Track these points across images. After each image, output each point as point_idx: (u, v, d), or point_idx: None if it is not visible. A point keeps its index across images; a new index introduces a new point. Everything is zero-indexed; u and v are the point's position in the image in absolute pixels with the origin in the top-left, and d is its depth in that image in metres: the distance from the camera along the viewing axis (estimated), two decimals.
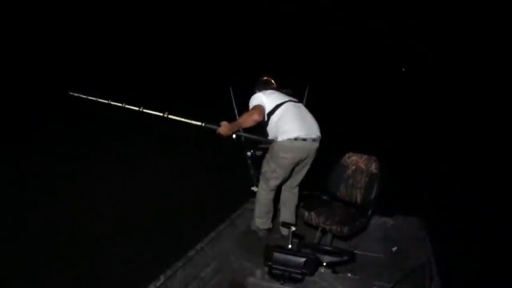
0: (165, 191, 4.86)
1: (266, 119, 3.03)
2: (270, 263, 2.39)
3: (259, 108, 3.00)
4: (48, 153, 5.89)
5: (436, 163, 6.72)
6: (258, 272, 2.52)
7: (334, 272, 2.59)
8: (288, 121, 2.98)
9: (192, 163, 5.87)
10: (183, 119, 3.21)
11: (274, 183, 3.07)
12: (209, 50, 14.67)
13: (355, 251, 3.00)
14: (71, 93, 3.53)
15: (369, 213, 3.02)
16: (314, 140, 3.00)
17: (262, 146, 3.26)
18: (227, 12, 16.29)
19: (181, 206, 4.51)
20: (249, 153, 3.26)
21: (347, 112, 8.94)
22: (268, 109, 3.03)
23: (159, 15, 16.39)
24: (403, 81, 13.44)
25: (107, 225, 3.97)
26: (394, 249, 3.19)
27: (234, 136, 3.16)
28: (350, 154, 3.22)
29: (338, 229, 2.83)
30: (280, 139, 2.97)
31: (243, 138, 3.19)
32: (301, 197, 3.31)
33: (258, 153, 3.33)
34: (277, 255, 2.39)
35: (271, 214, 3.20)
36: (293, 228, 2.67)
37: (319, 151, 3.07)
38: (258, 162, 3.28)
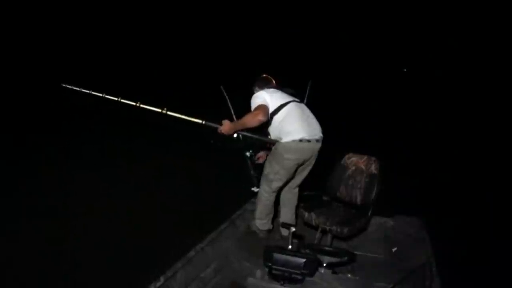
0: (165, 191, 4.86)
1: (269, 118, 2.97)
2: (270, 264, 2.39)
3: (264, 108, 2.91)
4: (44, 150, 5.89)
5: (436, 163, 6.72)
6: (258, 273, 2.52)
7: (334, 272, 2.59)
8: (292, 121, 2.94)
9: (192, 163, 5.87)
10: (182, 116, 3.11)
11: (277, 184, 3.06)
12: (210, 47, 14.64)
13: (355, 252, 3.00)
14: (64, 85, 3.42)
15: (369, 213, 3.03)
16: (317, 140, 3.00)
17: (260, 144, 3.18)
18: (228, 8, 16.24)
19: (181, 206, 4.51)
20: (248, 154, 3.23)
21: (347, 112, 8.94)
22: (271, 108, 2.96)
23: (160, 11, 16.30)
24: (404, 82, 13.44)
25: (107, 225, 3.96)
26: (394, 249, 3.19)
27: (235, 135, 3.10)
28: (350, 154, 3.23)
29: (338, 230, 2.83)
30: (284, 140, 2.94)
31: (245, 138, 3.10)
32: (301, 198, 3.31)
33: (258, 154, 3.30)
34: (277, 255, 2.39)
35: (271, 215, 3.20)
36: (293, 229, 2.67)
37: (320, 151, 3.07)
38: (257, 162, 3.28)
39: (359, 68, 13.90)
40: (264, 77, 3.30)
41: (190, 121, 3.11)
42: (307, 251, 2.57)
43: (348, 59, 14.53)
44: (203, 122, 3.08)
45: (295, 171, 3.08)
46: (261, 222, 3.16)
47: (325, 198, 3.24)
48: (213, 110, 3.09)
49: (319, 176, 3.26)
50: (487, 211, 5.03)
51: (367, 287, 2.54)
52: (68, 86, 3.41)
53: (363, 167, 3.13)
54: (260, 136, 3.06)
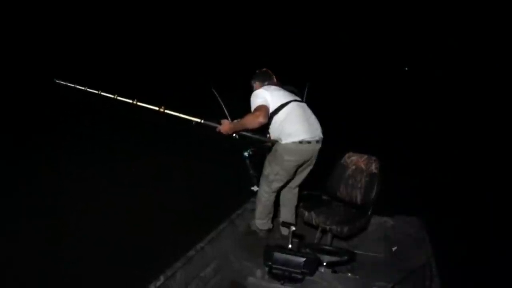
0: (165, 191, 4.86)
1: (269, 118, 2.93)
2: (270, 263, 2.39)
3: (265, 109, 2.85)
4: (44, 150, 5.89)
5: (436, 163, 6.72)
6: (258, 272, 2.52)
7: (334, 272, 2.59)
8: (293, 122, 2.91)
9: (191, 163, 5.87)
10: (181, 115, 3.05)
11: (277, 185, 3.05)
12: (208, 47, 14.61)
13: (355, 251, 2.99)
14: (57, 81, 3.29)
15: (369, 213, 3.03)
16: (317, 141, 2.99)
17: (259, 144, 3.15)
18: (228, 8, 16.19)
19: (181, 205, 4.51)
20: (246, 154, 3.22)
21: (347, 112, 8.94)
22: (272, 108, 2.90)
23: (160, 9, 16.22)
24: (405, 81, 13.43)
25: (107, 225, 3.96)
26: (394, 249, 3.19)
27: (234, 135, 3.08)
28: (350, 154, 3.23)
29: (338, 229, 2.83)
30: (284, 141, 2.91)
31: (244, 137, 3.07)
32: (301, 197, 3.31)
33: (257, 151, 3.27)
34: (277, 255, 2.39)
35: (271, 215, 3.20)
36: (293, 228, 2.67)
37: (320, 151, 3.07)
38: (256, 161, 3.27)
39: (360, 68, 13.90)
40: (264, 71, 3.22)
41: (188, 120, 3.05)
42: (307, 250, 2.57)
43: (349, 58, 14.53)
44: (202, 121, 3.04)
45: (295, 171, 3.07)
46: (261, 222, 3.16)
47: (325, 197, 3.24)
48: (212, 110, 3.07)
49: (319, 176, 3.26)
50: (487, 211, 5.03)
51: (367, 287, 2.54)
52: (62, 82, 3.28)
53: (363, 166, 3.12)
54: (260, 136, 3.04)
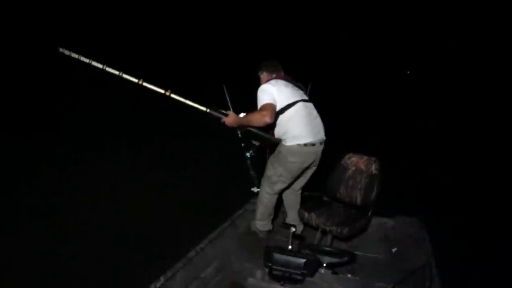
0: (165, 191, 4.85)
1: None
2: (270, 264, 2.39)
3: (272, 109, 2.78)
4: (44, 150, 5.89)
5: (436, 163, 6.72)
6: (259, 273, 2.53)
7: (334, 273, 2.60)
8: (298, 124, 2.87)
9: (191, 163, 5.87)
10: (186, 101, 2.94)
11: (280, 187, 3.04)
12: (211, 44, 14.51)
13: (355, 252, 3.00)
14: (61, 50, 3.05)
15: (369, 214, 3.03)
16: (321, 143, 2.99)
17: (263, 140, 3.11)
18: (231, 6, 16.07)
19: (181, 206, 4.51)
20: (247, 154, 3.22)
21: (347, 112, 8.93)
22: (278, 106, 2.83)
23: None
24: (405, 83, 13.42)
25: (107, 225, 3.96)
26: (394, 249, 3.19)
27: (238, 131, 3.05)
28: (350, 155, 3.23)
29: (338, 230, 2.83)
30: (289, 143, 2.89)
31: (248, 133, 3.01)
32: (301, 198, 3.31)
33: (259, 151, 3.24)
34: (277, 256, 2.39)
35: (272, 216, 3.19)
36: (293, 229, 2.68)
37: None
38: (257, 162, 3.27)
39: (360, 69, 13.89)
40: (273, 62, 3.12)
41: (194, 107, 2.95)
42: (307, 251, 2.57)
43: (350, 59, 14.52)
44: (208, 110, 2.95)
45: (299, 173, 3.06)
46: (262, 223, 3.16)
47: (325, 198, 3.24)
48: (218, 102, 3.01)
49: (319, 176, 3.26)
50: (487, 211, 5.03)
51: (367, 287, 2.55)
52: (65, 52, 3.05)
53: (363, 167, 3.13)
54: (264, 134, 2.97)
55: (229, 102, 3.16)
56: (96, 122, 7.42)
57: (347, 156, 3.23)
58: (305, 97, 3.00)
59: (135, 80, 2.97)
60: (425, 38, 16.60)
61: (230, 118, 2.93)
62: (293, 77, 3.11)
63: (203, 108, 2.96)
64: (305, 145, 2.88)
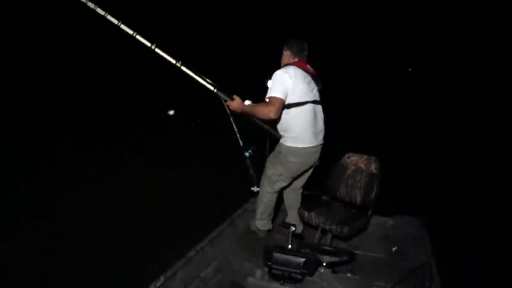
0: (165, 191, 4.86)
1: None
2: (270, 263, 2.39)
3: (279, 106, 2.73)
4: (44, 150, 5.89)
5: (436, 163, 6.71)
6: (258, 272, 2.53)
7: (334, 272, 2.60)
8: (301, 127, 2.85)
9: (191, 163, 5.87)
10: (195, 77, 2.85)
11: (280, 185, 3.05)
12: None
13: (355, 251, 2.99)
14: None
15: (369, 213, 3.03)
16: (320, 145, 3.00)
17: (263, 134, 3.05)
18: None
19: (181, 206, 4.51)
20: (247, 154, 3.21)
21: (347, 112, 8.93)
22: (288, 99, 2.78)
23: None
24: (406, 81, 13.38)
25: (107, 225, 3.96)
26: (394, 249, 3.20)
27: (232, 119, 2.94)
28: (350, 154, 3.23)
29: (338, 229, 2.83)
30: (288, 143, 2.89)
31: (252, 124, 2.94)
32: (301, 198, 3.31)
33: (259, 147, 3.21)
34: (277, 255, 2.39)
35: (272, 216, 3.20)
36: (293, 228, 2.68)
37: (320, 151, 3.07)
38: (257, 162, 3.26)
39: (360, 66, 13.86)
40: (301, 44, 3.01)
41: (201, 84, 2.88)
42: (307, 250, 2.57)
43: (350, 59, 14.50)
44: (215, 90, 2.87)
45: (300, 172, 3.07)
46: (262, 223, 3.16)
47: (325, 197, 3.24)
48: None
49: (319, 176, 3.26)
50: (487, 211, 5.02)
51: (367, 287, 2.55)
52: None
53: (363, 166, 3.13)
54: (264, 125, 2.93)
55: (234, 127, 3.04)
56: (96, 122, 7.43)
57: (347, 156, 3.23)
58: (317, 97, 2.94)
59: (148, 44, 2.85)
60: (426, 35, 16.55)
61: (235, 103, 2.84)
62: (313, 67, 3.03)
63: (211, 87, 2.88)
64: (304, 148, 2.90)
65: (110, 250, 3.57)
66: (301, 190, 3.28)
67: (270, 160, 3.06)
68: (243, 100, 2.88)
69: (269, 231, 3.21)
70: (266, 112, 2.75)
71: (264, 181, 3.07)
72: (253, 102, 2.89)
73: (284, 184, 3.06)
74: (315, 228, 3.01)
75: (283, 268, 2.36)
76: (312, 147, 2.92)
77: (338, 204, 3.17)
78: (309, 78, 2.89)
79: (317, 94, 2.95)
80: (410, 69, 15.37)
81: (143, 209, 4.36)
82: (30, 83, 8.98)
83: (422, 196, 5.07)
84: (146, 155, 6.07)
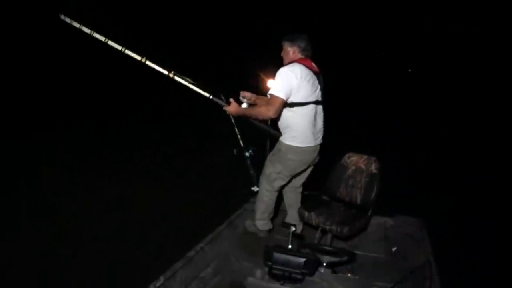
0: (165, 191, 4.85)
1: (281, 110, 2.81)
2: (270, 263, 2.39)
3: (278, 106, 2.73)
4: (44, 150, 5.89)
5: (436, 163, 6.71)
6: (258, 272, 2.53)
7: (334, 272, 2.60)
8: (302, 127, 2.86)
9: (191, 163, 5.87)
10: (190, 85, 2.85)
11: (279, 183, 3.05)
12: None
13: (355, 251, 3.00)
14: (62, 17, 2.91)
15: (369, 213, 3.03)
16: (319, 144, 3.01)
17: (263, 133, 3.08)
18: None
19: (181, 206, 4.50)
20: (247, 154, 3.22)
21: (347, 112, 8.93)
22: (291, 98, 2.77)
23: None
24: (407, 82, 13.38)
25: (107, 225, 3.96)
26: (394, 249, 3.20)
27: (233, 120, 2.99)
28: (350, 154, 3.23)
29: (338, 229, 2.83)
30: (288, 142, 2.90)
31: (251, 125, 2.95)
32: (301, 198, 3.31)
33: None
34: (277, 255, 2.39)
35: (272, 215, 3.20)
36: (293, 228, 2.68)
37: (320, 151, 3.07)
38: (257, 161, 3.26)
39: (360, 67, 13.87)
40: (306, 39, 2.93)
41: (197, 92, 2.88)
42: (307, 250, 2.57)
43: (349, 57, 14.50)
44: (211, 97, 2.89)
45: (300, 171, 3.07)
46: (263, 223, 3.15)
47: (325, 198, 3.24)
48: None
49: (319, 176, 3.26)
50: (486, 211, 5.02)
51: (367, 287, 2.55)
52: (67, 20, 2.91)
53: (363, 166, 3.13)
54: (267, 127, 2.96)
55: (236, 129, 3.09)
56: (96, 121, 7.43)
57: (347, 156, 3.23)
58: (319, 97, 2.92)
59: (138, 58, 2.85)
60: (427, 36, 16.55)
61: (232, 108, 2.88)
62: (317, 64, 3.00)
63: (206, 94, 2.89)
64: (303, 147, 2.90)
65: (110, 250, 3.57)
66: (301, 189, 3.28)
67: (269, 158, 3.07)
68: (240, 104, 2.92)
69: (269, 231, 3.21)
70: (264, 112, 2.77)
71: (263, 179, 3.08)
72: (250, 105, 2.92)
73: (283, 182, 3.06)
74: (315, 228, 3.02)
75: (283, 268, 2.36)
76: (311, 146, 2.93)
77: (338, 204, 3.17)
78: (314, 77, 2.88)
79: (320, 93, 2.94)
80: (410, 70, 15.38)
81: (143, 209, 4.36)
82: (31, 83, 8.99)
83: (422, 196, 5.07)
84: (146, 155, 6.07)
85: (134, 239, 3.77)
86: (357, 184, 3.12)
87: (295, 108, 2.82)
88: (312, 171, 3.18)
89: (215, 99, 2.90)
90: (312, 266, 2.40)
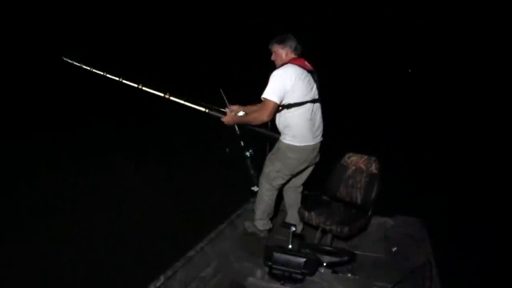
0: (165, 191, 4.85)
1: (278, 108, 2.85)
2: (270, 263, 2.39)
3: (271, 109, 2.78)
4: (44, 150, 5.89)
5: (436, 163, 6.71)
6: (258, 272, 2.53)
7: (334, 272, 2.60)
8: (301, 126, 2.88)
9: (191, 163, 5.87)
10: (186, 103, 3.02)
11: (278, 182, 3.05)
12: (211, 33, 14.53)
13: (355, 251, 3.00)
14: (65, 59, 3.31)
15: (369, 213, 3.03)
16: (319, 142, 3.02)
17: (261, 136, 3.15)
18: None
19: (181, 206, 4.51)
20: (247, 153, 3.23)
21: (347, 112, 8.94)
22: (286, 100, 2.81)
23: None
24: (407, 82, 13.39)
25: (107, 225, 3.96)
26: (394, 249, 3.20)
27: (237, 129, 3.10)
28: (350, 154, 3.23)
29: (338, 229, 2.83)
30: (287, 141, 2.93)
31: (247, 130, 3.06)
32: (301, 198, 3.31)
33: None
34: (277, 255, 2.39)
35: (272, 215, 3.20)
36: (293, 228, 2.68)
37: (320, 151, 3.07)
38: (257, 161, 3.27)
39: (360, 67, 13.87)
40: (295, 39, 2.95)
41: (193, 108, 3.04)
42: (307, 250, 2.57)
43: (349, 57, 14.51)
44: (207, 111, 3.05)
45: (299, 171, 3.07)
46: (262, 223, 3.15)
47: (325, 198, 3.24)
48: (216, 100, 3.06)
49: (319, 176, 3.26)
50: (486, 211, 5.02)
51: (367, 287, 2.55)
52: (69, 61, 3.30)
53: (363, 166, 3.13)
54: (265, 131, 3.03)
55: (227, 104, 3.20)
56: (96, 122, 7.43)
57: (347, 156, 3.23)
58: (316, 95, 2.93)
59: (135, 85, 3.10)
60: (426, 36, 16.56)
61: (228, 118, 3.05)
62: (311, 63, 3.00)
63: (202, 109, 3.05)
64: (302, 146, 2.92)
65: (110, 249, 3.57)
66: (301, 189, 3.28)
67: (269, 157, 3.09)
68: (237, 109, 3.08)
69: (269, 231, 3.21)
70: (258, 117, 2.87)
71: (263, 178, 3.09)
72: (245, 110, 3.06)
73: (283, 181, 3.07)
74: (315, 228, 3.02)
75: (284, 268, 2.36)
76: (310, 145, 2.94)
77: (338, 204, 3.17)
78: (308, 76, 2.89)
79: (316, 92, 2.95)
80: (410, 70, 15.38)
81: (143, 209, 4.36)
82: (31, 83, 8.99)
83: (422, 196, 5.07)
84: (146, 155, 6.07)
85: (134, 239, 3.77)
86: (357, 184, 3.11)
87: (293, 109, 2.85)
88: (312, 171, 3.18)
89: (211, 113, 3.07)
90: (312, 266, 2.40)
